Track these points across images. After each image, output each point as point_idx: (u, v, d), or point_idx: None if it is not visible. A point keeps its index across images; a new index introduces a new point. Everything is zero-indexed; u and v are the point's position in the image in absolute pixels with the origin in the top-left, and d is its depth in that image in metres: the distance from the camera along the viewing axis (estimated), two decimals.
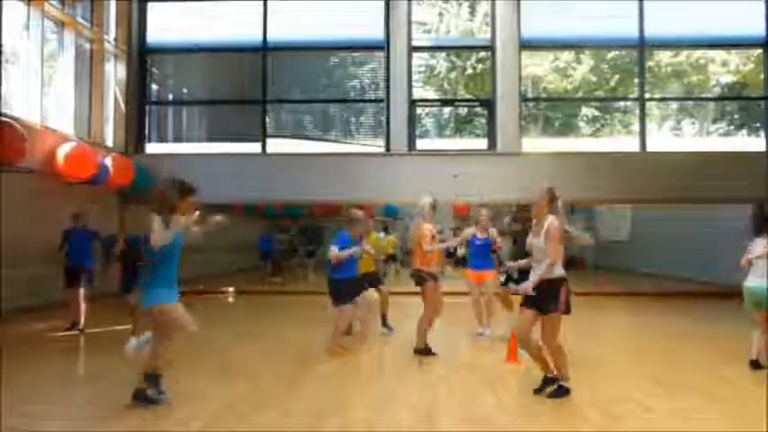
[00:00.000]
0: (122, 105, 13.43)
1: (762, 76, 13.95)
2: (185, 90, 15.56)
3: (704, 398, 4.92)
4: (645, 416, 4.43)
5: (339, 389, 5.22)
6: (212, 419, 4.29)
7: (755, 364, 5.87)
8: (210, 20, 13.86)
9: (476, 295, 7.89)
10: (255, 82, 13.79)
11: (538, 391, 4.92)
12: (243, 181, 13.08)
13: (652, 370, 5.94)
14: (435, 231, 6.71)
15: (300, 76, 14.53)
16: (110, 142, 13.08)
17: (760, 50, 13.90)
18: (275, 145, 13.76)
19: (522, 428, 4.17)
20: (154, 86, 14.62)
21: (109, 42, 13.06)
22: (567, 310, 4.84)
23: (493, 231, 7.99)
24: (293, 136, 14.26)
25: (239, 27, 13.87)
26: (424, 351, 6.52)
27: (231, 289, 14.04)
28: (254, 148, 13.68)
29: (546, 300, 4.74)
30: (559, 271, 4.79)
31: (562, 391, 4.83)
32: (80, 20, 12.14)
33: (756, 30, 13.68)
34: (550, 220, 4.81)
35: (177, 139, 15.07)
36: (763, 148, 13.66)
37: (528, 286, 4.72)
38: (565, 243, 4.84)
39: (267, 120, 13.90)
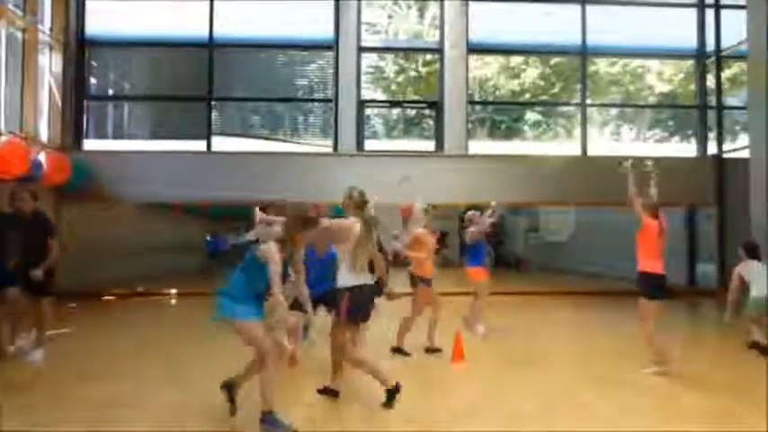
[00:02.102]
0: (58, 99, 12.83)
1: (691, 87, 14.74)
2: (127, 85, 15.02)
3: (638, 394, 5.10)
4: (582, 413, 4.57)
5: (281, 391, 5.13)
6: (153, 424, 4.20)
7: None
8: (155, 13, 13.45)
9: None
10: (201, 78, 13.47)
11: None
12: (187, 180, 12.78)
13: (592, 368, 6.12)
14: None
15: (247, 74, 14.25)
16: (44, 138, 12.49)
17: (691, 62, 14.66)
18: (221, 143, 13.48)
19: (460, 428, 4.23)
20: (93, 80, 14.03)
21: (43, 32, 12.46)
22: (352, 319, 4.74)
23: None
24: (240, 134, 13.97)
25: (185, 21, 13.54)
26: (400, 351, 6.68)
27: (173, 291, 13.64)
28: (199, 146, 13.38)
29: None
30: (347, 279, 4.71)
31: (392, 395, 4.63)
32: (11, 7, 11.52)
33: (689, 42, 14.47)
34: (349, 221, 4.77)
35: (118, 136, 14.52)
36: (694, 154, 14.41)
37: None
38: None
39: (213, 117, 13.60)
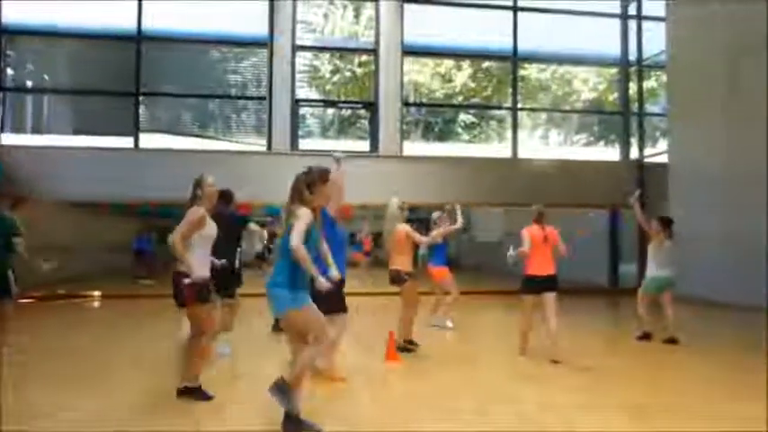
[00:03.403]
0: None
1: (614, 94, 15.44)
2: (47, 77, 14.25)
3: (564, 390, 5.26)
4: (516, 409, 4.65)
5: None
6: None
7: (648, 336, 7.52)
8: (79, 2, 12.86)
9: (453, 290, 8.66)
10: (128, 73, 12.99)
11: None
12: (113, 178, 12.28)
13: (521, 366, 6.26)
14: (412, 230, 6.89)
15: (178, 69, 13.84)
16: None
17: (615, 70, 15.34)
18: (149, 140, 13.05)
19: (394, 429, 4.21)
20: (9, 71, 13.26)
21: None
22: (182, 303, 4.62)
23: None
24: (169, 131, 13.56)
25: (112, 12, 13.02)
26: (408, 346, 6.79)
27: (97, 293, 13.07)
28: (126, 142, 12.90)
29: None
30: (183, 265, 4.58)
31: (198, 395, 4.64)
32: None
33: (613, 51, 15.16)
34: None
35: (36, 131, 13.78)
36: (617, 158, 15.06)
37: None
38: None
39: (141, 113, 13.14)
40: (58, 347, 7.25)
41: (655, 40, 14.46)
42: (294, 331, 4.15)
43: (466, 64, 15.17)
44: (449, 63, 15.16)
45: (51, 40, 13.56)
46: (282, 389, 3.88)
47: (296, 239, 3.80)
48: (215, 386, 4.86)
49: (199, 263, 4.58)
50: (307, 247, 3.88)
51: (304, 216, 3.87)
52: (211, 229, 4.74)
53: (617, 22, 15.25)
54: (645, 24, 15.00)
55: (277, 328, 7.96)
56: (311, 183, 4.01)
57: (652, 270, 7.57)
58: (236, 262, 6.43)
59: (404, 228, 6.80)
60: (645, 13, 15.05)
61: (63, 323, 9.64)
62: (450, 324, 8.64)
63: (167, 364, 5.88)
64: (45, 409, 4.50)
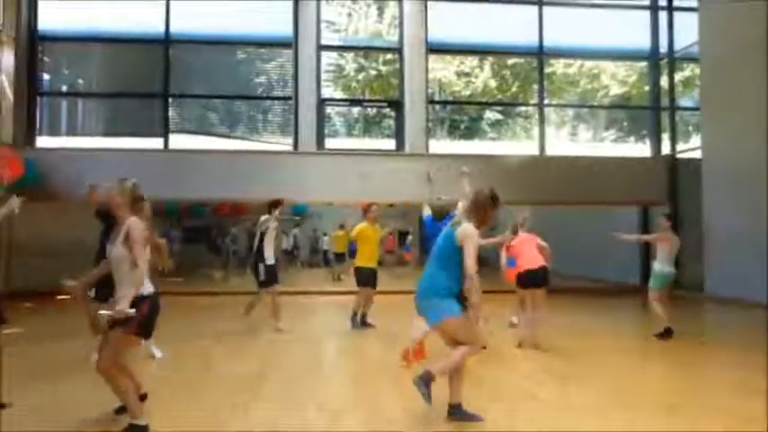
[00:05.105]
0: (10, 96, 12.48)
1: (645, 88, 15.09)
2: (81, 81, 14.66)
3: (587, 387, 5.21)
4: (534, 405, 4.62)
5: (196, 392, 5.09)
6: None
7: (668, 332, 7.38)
8: (110, 8, 13.19)
9: None
10: (157, 75, 13.28)
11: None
12: (143, 178, 12.40)
13: (546, 363, 6.19)
14: None
15: (205, 71, 14.09)
16: None
17: (645, 63, 15.00)
18: (178, 141, 13.30)
19: (427, 428, 4.15)
20: (46, 76, 13.69)
21: None
22: (141, 333, 3.95)
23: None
24: (198, 132, 13.81)
25: (141, 16, 13.34)
26: None
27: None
28: (156, 143, 13.18)
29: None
30: (145, 288, 3.93)
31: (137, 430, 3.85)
32: None
33: (643, 44, 14.82)
34: (131, 222, 3.94)
35: (71, 133, 14.18)
36: (648, 154, 14.73)
37: (123, 308, 3.68)
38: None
39: (170, 115, 13.42)
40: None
41: (686, 32, 14.08)
42: (449, 337, 4.18)
43: (490, 61, 15.03)
44: (473, 61, 15.04)
45: (84, 46, 13.94)
46: (427, 381, 3.96)
47: (473, 266, 3.92)
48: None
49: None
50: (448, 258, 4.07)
51: (475, 237, 4.00)
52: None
53: (646, 14, 14.92)
54: (676, 15, 14.64)
55: (364, 323, 8.38)
56: (482, 204, 4.16)
57: (664, 266, 7.60)
58: None
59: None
60: (676, 3, 14.69)
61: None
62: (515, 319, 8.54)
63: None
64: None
